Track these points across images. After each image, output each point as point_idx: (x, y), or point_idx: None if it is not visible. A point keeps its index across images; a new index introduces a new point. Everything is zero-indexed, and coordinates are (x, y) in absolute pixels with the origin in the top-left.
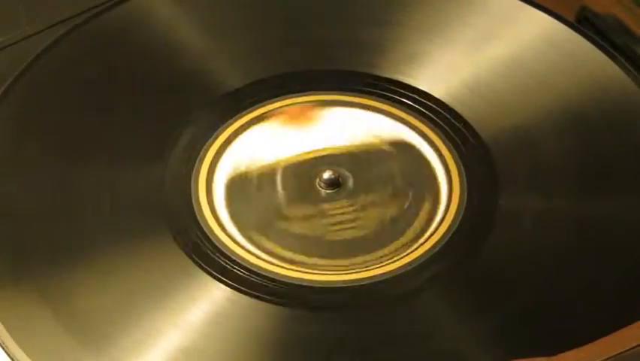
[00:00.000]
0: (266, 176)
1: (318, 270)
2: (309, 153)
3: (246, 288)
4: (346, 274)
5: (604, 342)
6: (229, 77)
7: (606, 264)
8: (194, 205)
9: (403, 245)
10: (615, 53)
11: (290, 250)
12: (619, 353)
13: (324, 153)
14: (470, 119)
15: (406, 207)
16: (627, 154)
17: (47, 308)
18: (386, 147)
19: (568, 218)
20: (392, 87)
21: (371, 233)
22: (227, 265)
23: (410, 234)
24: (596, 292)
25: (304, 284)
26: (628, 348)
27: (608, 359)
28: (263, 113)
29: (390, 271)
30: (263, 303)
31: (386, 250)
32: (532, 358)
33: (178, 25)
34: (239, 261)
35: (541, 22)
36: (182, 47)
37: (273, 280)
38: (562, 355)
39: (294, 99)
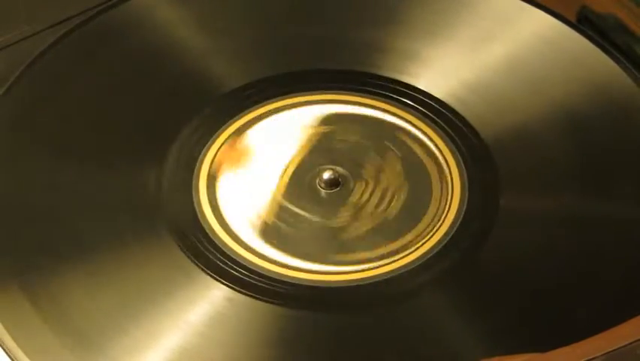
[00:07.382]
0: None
1: (318, 270)
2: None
3: (246, 288)
4: (346, 274)
5: (598, 339)
6: (229, 77)
7: (605, 264)
8: (195, 206)
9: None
10: (615, 53)
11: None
12: (613, 350)
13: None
14: (470, 118)
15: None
16: (627, 154)
17: (47, 309)
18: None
19: (568, 218)
20: (392, 87)
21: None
22: (227, 265)
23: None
24: (595, 291)
25: (304, 284)
26: (622, 345)
27: (602, 355)
28: (263, 113)
29: (390, 271)
30: (263, 303)
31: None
32: (520, 355)
33: (178, 25)
34: (239, 261)
35: (541, 22)
36: (182, 47)
37: (273, 280)
38: (554, 351)
39: (294, 99)
